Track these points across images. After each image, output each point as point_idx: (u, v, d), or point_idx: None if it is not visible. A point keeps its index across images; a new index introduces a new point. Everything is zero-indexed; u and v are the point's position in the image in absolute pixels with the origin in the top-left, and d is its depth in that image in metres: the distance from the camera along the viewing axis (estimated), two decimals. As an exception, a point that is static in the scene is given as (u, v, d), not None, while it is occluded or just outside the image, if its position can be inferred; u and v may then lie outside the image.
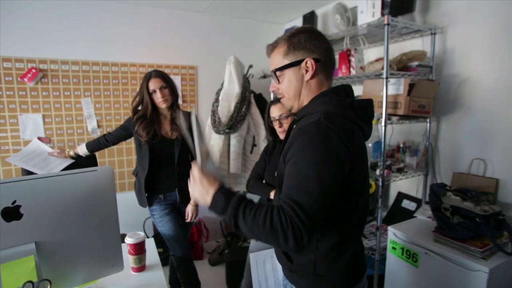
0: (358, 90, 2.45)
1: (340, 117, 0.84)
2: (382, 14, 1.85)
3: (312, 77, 0.90)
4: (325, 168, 0.77)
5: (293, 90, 0.93)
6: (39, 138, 2.34)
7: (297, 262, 0.94)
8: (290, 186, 0.79)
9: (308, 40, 0.89)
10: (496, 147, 1.71)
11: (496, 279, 1.34)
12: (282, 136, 1.61)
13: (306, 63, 0.89)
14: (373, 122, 1.84)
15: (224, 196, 0.82)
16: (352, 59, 2.09)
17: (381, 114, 1.79)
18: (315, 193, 0.76)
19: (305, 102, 0.93)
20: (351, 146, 0.80)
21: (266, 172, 1.68)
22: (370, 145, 1.90)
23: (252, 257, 1.17)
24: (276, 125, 1.59)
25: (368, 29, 1.95)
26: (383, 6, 1.85)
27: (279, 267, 1.11)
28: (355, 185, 0.86)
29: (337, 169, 0.79)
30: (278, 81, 0.94)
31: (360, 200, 0.91)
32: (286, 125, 1.57)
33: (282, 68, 0.92)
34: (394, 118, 1.87)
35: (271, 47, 0.96)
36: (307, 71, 0.89)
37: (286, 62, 0.91)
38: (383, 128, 1.77)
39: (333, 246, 0.88)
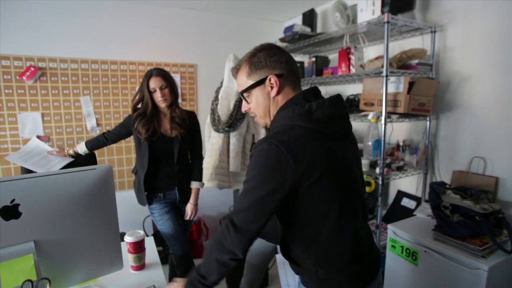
0: (358, 89, 2.45)
1: (296, 127, 0.86)
2: (382, 12, 1.84)
3: (278, 93, 0.92)
4: (263, 183, 0.83)
5: (262, 108, 0.95)
6: (38, 137, 2.34)
7: (303, 266, 0.94)
8: (238, 199, 0.89)
9: (267, 58, 0.91)
10: (496, 146, 1.71)
11: (495, 277, 1.34)
12: None
13: (269, 80, 0.91)
14: (373, 120, 1.84)
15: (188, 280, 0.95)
16: (352, 57, 2.09)
17: (381, 112, 1.79)
18: (250, 201, 0.83)
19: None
20: (300, 157, 0.81)
21: None
22: (370, 143, 1.90)
23: (279, 257, 1.21)
24: None
25: (368, 27, 1.94)
26: (383, 4, 1.85)
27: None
28: (320, 191, 0.85)
29: (276, 187, 0.82)
30: (247, 101, 0.97)
31: (334, 205, 0.88)
32: None
33: (248, 89, 0.94)
34: (394, 116, 1.87)
35: (235, 70, 0.98)
36: (272, 87, 0.92)
37: (251, 82, 0.93)
38: (383, 126, 1.77)
39: (324, 251, 0.89)
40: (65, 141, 2.64)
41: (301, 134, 0.85)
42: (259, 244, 1.68)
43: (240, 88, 0.98)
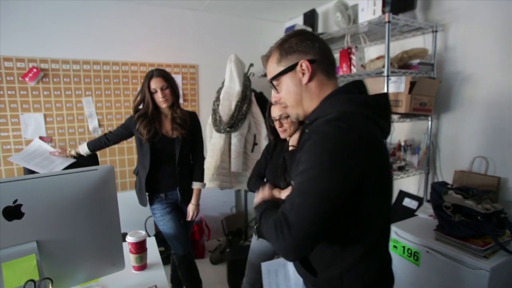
0: (359, 89, 2.44)
1: (356, 115, 0.78)
2: (383, 12, 1.84)
3: (310, 80, 0.85)
4: (332, 173, 0.71)
5: (293, 96, 0.88)
6: (41, 138, 2.35)
7: (322, 277, 0.87)
8: (289, 196, 0.77)
9: (299, 43, 0.86)
10: (498, 145, 1.70)
11: (497, 277, 1.33)
12: (283, 136, 1.61)
13: (300, 66, 0.85)
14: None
15: (263, 202, 0.92)
16: (353, 57, 2.08)
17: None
18: (313, 196, 0.71)
19: (310, 107, 0.88)
20: (369, 148, 0.74)
21: (268, 171, 1.68)
22: (371, 143, 1.89)
23: (264, 266, 1.15)
24: (276, 125, 1.59)
25: (369, 27, 1.94)
26: (384, 4, 1.85)
27: (292, 277, 1.09)
28: (377, 191, 0.79)
29: (345, 175, 0.72)
30: (277, 90, 0.91)
31: (385, 206, 0.83)
32: (286, 125, 1.56)
33: (277, 76, 0.88)
34: (395, 116, 1.87)
35: (266, 58, 0.93)
36: (303, 74, 0.85)
37: (281, 69, 0.88)
38: (384, 126, 1.77)
39: (360, 258, 0.82)
40: (67, 142, 2.65)
41: (367, 124, 0.78)
42: (261, 243, 1.68)
43: (269, 75, 0.92)
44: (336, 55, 2.60)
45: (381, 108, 0.84)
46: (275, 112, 1.58)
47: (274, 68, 0.89)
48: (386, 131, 0.87)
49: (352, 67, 2.10)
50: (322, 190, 0.71)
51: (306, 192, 0.73)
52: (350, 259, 0.82)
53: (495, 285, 1.33)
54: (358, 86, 0.87)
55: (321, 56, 0.86)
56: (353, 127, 0.74)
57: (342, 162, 0.72)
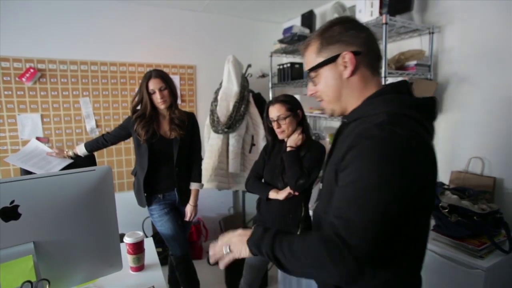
0: (356, 89, 2.45)
1: (407, 118, 0.70)
2: (380, 14, 1.85)
3: (352, 74, 0.77)
4: (392, 184, 0.63)
5: (331, 91, 0.80)
6: (38, 138, 2.34)
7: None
8: (342, 201, 0.67)
9: (343, 32, 0.77)
10: (494, 146, 1.71)
11: (493, 277, 1.34)
12: (281, 137, 1.61)
13: (343, 57, 0.76)
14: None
15: (262, 229, 0.77)
16: (351, 58, 2.09)
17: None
18: (371, 210, 0.62)
19: (350, 104, 0.80)
20: (426, 158, 0.68)
21: (266, 172, 1.68)
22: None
23: (280, 274, 1.14)
24: (274, 126, 1.59)
25: (366, 28, 1.95)
26: (381, 5, 1.86)
27: (304, 282, 1.07)
28: (427, 206, 0.72)
29: (406, 187, 0.64)
30: (314, 83, 0.83)
31: (428, 222, 0.76)
32: (284, 126, 1.57)
33: (316, 68, 0.80)
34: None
35: (304, 47, 0.84)
36: (345, 67, 0.77)
37: (320, 60, 0.79)
38: (382, 127, 1.78)
39: (391, 277, 0.74)
40: (64, 143, 2.64)
41: (420, 129, 0.70)
42: None
43: (307, 66, 0.84)
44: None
45: (430, 112, 0.77)
46: (273, 113, 1.58)
47: (312, 58, 0.81)
48: (432, 137, 0.78)
49: (350, 68, 2.10)
50: (383, 204, 0.62)
51: (364, 205, 0.63)
52: (382, 277, 0.73)
53: (491, 285, 1.34)
54: (406, 86, 0.79)
55: (367, 48, 0.78)
56: (411, 133, 0.67)
57: (402, 172, 0.64)
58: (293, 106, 1.59)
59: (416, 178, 0.65)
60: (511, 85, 1.61)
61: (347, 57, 0.76)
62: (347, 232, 0.62)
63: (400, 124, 0.67)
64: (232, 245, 0.82)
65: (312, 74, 0.82)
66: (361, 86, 0.78)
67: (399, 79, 1.81)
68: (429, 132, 0.75)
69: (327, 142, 2.34)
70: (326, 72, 0.80)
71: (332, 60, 0.78)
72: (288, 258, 0.69)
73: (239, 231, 0.84)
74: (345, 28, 0.77)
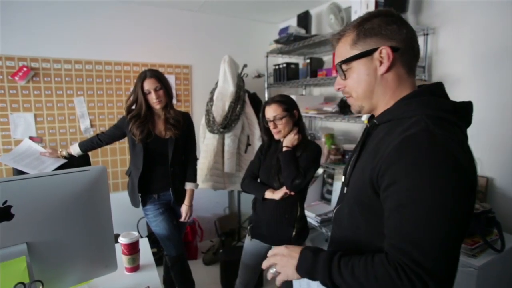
0: (351, 90, 2.47)
1: (447, 123, 0.66)
2: (376, 15, 1.86)
3: (388, 70, 0.72)
4: (455, 195, 0.59)
5: (363, 87, 0.75)
6: (31, 138, 2.31)
7: None
8: (399, 222, 0.61)
9: (383, 25, 0.71)
10: (487, 146, 1.73)
11: (485, 275, 1.36)
12: (277, 137, 1.61)
13: (380, 52, 0.71)
14: (366, 121, 1.85)
15: (311, 251, 0.72)
16: (346, 59, 2.10)
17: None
18: (440, 230, 0.58)
19: (380, 102, 0.76)
20: (471, 162, 0.64)
21: (261, 172, 1.69)
22: (363, 144, 1.91)
23: (296, 282, 1.12)
24: (271, 126, 1.59)
25: (361, 29, 1.96)
26: (377, 7, 1.87)
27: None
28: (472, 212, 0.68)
29: (467, 195, 0.61)
30: (345, 76, 0.77)
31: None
32: (281, 126, 1.57)
33: (349, 60, 0.74)
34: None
35: (337, 37, 0.78)
36: (381, 62, 0.72)
37: (355, 52, 0.74)
38: (376, 127, 1.79)
39: None
40: (58, 142, 2.61)
41: (461, 134, 0.67)
42: (255, 244, 1.68)
43: (338, 58, 0.78)
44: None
45: (466, 116, 0.73)
46: (270, 113, 1.58)
47: (346, 50, 0.76)
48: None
49: (345, 69, 2.11)
50: (450, 221, 0.59)
51: (434, 225, 0.58)
52: None
53: (483, 283, 1.36)
54: (442, 89, 0.74)
55: (406, 45, 0.73)
56: (458, 141, 0.63)
57: (460, 184, 0.60)
58: (289, 106, 1.59)
59: (471, 188, 0.62)
60: (504, 87, 1.63)
61: (384, 51, 0.71)
62: (421, 256, 0.58)
63: (447, 129, 0.64)
64: (280, 267, 0.78)
65: (344, 67, 0.76)
66: (395, 86, 0.74)
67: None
68: (465, 136, 0.71)
69: (322, 142, 2.35)
70: (359, 66, 0.74)
71: (368, 53, 0.72)
72: (351, 285, 0.65)
73: (286, 250, 0.79)
74: (386, 22, 0.72)
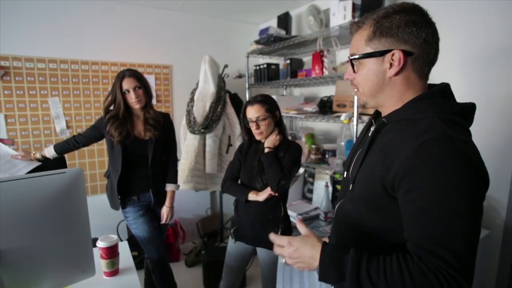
0: (331, 90, 2.52)
1: (458, 125, 0.67)
2: (353, 17, 1.91)
3: (397, 74, 0.72)
4: (475, 197, 0.62)
5: (369, 85, 0.75)
6: (1, 140, 2.21)
7: None
8: (429, 226, 0.62)
9: (403, 26, 0.69)
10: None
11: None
12: (259, 138, 1.60)
13: (392, 55, 0.70)
14: (345, 121, 1.90)
15: (333, 263, 0.69)
16: (325, 60, 2.15)
17: (353, 113, 1.85)
18: (468, 232, 0.61)
19: (386, 102, 0.76)
20: (483, 164, 0.66)
21: (242, 173, 1.68)
22: (342, 143, 1.96)
23: (280, 263, 1.09)
24: (253, 127, 1.57)
25: (340, 31, 2.01)
26: (354, 9, 1.92)
27: (306, 282, 1.03)
28: None
29: (483, 196, 0.65)
30: (354, 70, 0.78)
31: None
32: (263, 127, 1.56)
33: (360, 57, 0.74)
34: (365, 118, 1.94)
35: (356, 26, 0.77)
36: (391, 65, 0.71)
37: (368, 50, 0.73)
38: (355, 127, 1.84)
39: None
40: (31, 145, 2.51)
41: (469, 136, 0.70)
42: (239, 247, 1.68)
43: (352, 49, 0.77)
44: (309, 58, 2.66)
45: (470, 118, 0.74)
46: (252, 113, 1.56)
47: (360, 44, 0.75)
48: None
49: (324, 70, 2.16)
50: (473, 223, 0.62)
51: (462, 229, 0.61)
52: None
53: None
54: (450, 91, 0.75)
55: (422, 51, 0.71)
56: (472, 144, 0.66)
57: (478, 186, 0.63)
58: (271, 107, 1.58)
59: (486, 189, 0.66)
60: (489, 88, 1.67)
61: (396, 55, 0.70)
62: (454, 259, 0.59)
63: (462, 133, 0.66)
64: (291, 262, 0.77)
65: (355, 61, 0.76)
66: (403, 89, 0.73)
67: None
68: (471, 136, 0.73)
69: (303, 142, 2.38)
70: (369, 65, 0.74)
71: (380, 54, 0.71)
72: (379, 286, 0.64)
73: (294, 252, 0.76)
74: (407, 22, 0.69)
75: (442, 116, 0.67)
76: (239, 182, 1.70)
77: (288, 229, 1.65)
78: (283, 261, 0.80)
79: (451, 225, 0.61)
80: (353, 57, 0.76)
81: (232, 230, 1.68)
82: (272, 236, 0.83)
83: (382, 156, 0.71)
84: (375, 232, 0.76)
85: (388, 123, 0.76)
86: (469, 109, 0.74)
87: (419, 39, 0.70)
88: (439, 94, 0.72)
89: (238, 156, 1.72)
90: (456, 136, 0.63)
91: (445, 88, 0.74)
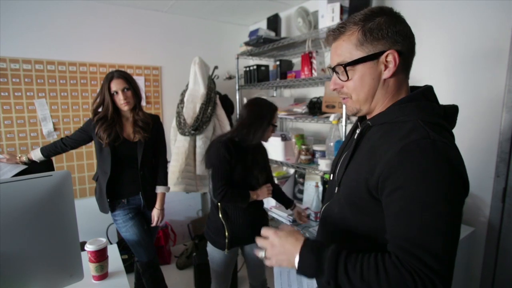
0: (320, 91, 2.54)
1: (440, 127, 0.68)
2: (341, 19, 1.94)
3: (392, 75, 0.71)
4: (456, 199, 0.63)
5: (366, 90, 0.74)
6: (-14, 143, 2.16)
7: None
8: (408, 227, 0.63)
9: (390, 27, 0.69)
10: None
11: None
12: (267, 140, 1.68)
13: (386, 56, 0.70)
14: (334, 122, 1.93)
15: (313, 253, 0.69)
16: (314, 61, 2.17)
17: (342, 114, 1.88)
18: (447, 233, 0.61)
19: (378, 106, 0.76)
20: (463, 166, 0.66)
21: (237, 174, 1.57)
22: (331, 144, 1.98)
23: (276, 269, 1.09)
24: (269, 130, 1.62)
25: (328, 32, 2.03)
26: (342, 11, 1.95)
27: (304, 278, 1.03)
28: None
29: (463, 198, 0.65)
30: (347, 77, 0.74)
31: None
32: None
33: (355, 63, 0.72)
34: (354, 118, 1.97)
35: (337, 33, 0.74)
36: (386, 67, 0.71)
37: (360, 54, 0.71)
38: (344, 127, 1.86)
39: None
40: (17, 147, 2.46)
41: (451, 138, 0.70)
42: (230, 254, 1.65)
43: (337, 57, 0.74)
44: (299, 59, 2.69)
45: (452, 120, 0.75)
46: (277, 118, 1.65)
47: (349, 50, 0.72)
48: None
49: (313, 71, 2.18)
50: (454, 225, 0.62)
51: (442, 230, 0.61)
52: None
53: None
54: (433, 93, 0.75)
55: (408, 48, 0.71)
56: (454, 146, 0.67)
57: (459, 189, 0.64)
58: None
59: (466, 192, 0.66)
60: (474, 89, 1.70)
61: (390, 56, 0.70)
62: (433, 260, 0.60)
63: (443, 135, 0.66)
64: (270, 255, 0.76)
65: (348, 68, 0.73)
66: (395, 90, 0.74)
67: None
68: (454, 138, 0.73)
69: (293, 142, 2.40)
70: (364, 69, 0.72)
71: (374, 57, 0.70)
72: (355, 283, 0.64)
73: (278, 240, 0.76)
74: (392, 23, 0.69)
75: (425, 118, 0.68)
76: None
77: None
78: (263, 254, 0.79)
79: (430, 227, 0.61)
80: (348, 64, 0.72)
81: (226, 241, 1.59)
82: (263, 230, 0.83)
83: (367, 159, 0.72)
84: (361, 234, 0.76)
85: (373, 126, 0.76)
86: (452, 111, 0.75)
87: (404, 37, 0.70)
88: (422, 97, 0.73)
89: (227, 160, 1.56)
90: (438, 138, 0.64)
91: (428, 91, 0.74)
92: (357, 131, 0.82)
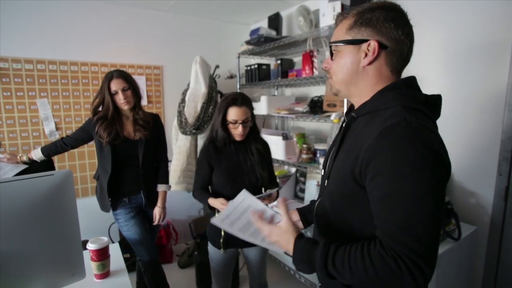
0: (321, 90, 2.54)
1: (421, 113, 0.70)
2: (342, 18, 1.93)
3: (370, 63, 0.74)
4: (434, 180, 0.63)
5: (343, 73, 0.77)
6: (-12, 143, 2.17)
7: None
8: (390, 211, 0.64)
9: (382, 20, 0.72)
10: (446, 141, 1.84)
11: (445, 263, 1.46)
12: (239, 139, 1.55)
13: (368, 44, 0.72)
14: (335, 120, 1.92)
15: (306, 245, 0.74)
16: (315, 60, 2.17)
17: (343, 113, 1.87)
18: (428, 215, 0.61)
19: (358, 94, 0.79)
20: (445, 148, 0.69)
21: (221, 175, 1.55)
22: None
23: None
24: (238, 128, 1.50)
25: (329, 31, 2.03)
26: (343, 10, 1.94)
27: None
28: None
29: (444, 179, 0.66)
30: (332, 57, 0.79)
31: None
32: (247, 129, 1.54)
33: (338, 43, 0.77)
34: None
35: (341, 17, 0.80)
36: (366, 54, 0.73)
37: (347, 37, 0.75)
38: (345, 126, 1.86)
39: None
40: (20, 147, 2.47)
41: (432, 124, 0.72)
42: (228, 253, 1.65)
43: (333, 37, 0.80)
44: (300, 58, 2.68)
45: (437, 109, 0.77)
46: (240, 115, 1.49)
47: (341, 33, 0.77)
48: None
49: (314, 70, 2.18)
50: (435, 207, 0.62)
51: (424, 214, 0.62)
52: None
53: (442, 270, 1.45)
54: (415, 82, 0.78)
55: (396, 45, 0.73)
56: (433, 129, 0.68)
57: (439, 170, 0.65)
58: (252, 109, 1.59)
59: (447, 173, 0.67)
60: (474, 85, 1.71)
61: (372, 45, 0.72)
62: (415, 243, 0.61)
63: (422, 119, 0.67)
64: (272, 243, 0.82)
65: (333, 48, 0.79)
66: (375, 81, 0.75)
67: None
68: (436, 127, 0.75)
69: (294, 141, 2.40)
70: (346, 52, 0.76)
71: (357, 42, 0.74)
72: (345, 275, 0.67)
73: (282, 233, 0.79)
74: (386, 17, 0.72)
75: (405, 104, 0.70)
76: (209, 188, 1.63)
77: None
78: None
79: (410, 210, 0.62)
80: (332, 42, 0.78)
81: (221, 241, 1.57)
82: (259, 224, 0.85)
83: (352, 149, 0.73)
84: (354, 225, 0.77)
85: (358, 117, 0.78)
86: (435, 99, 0.76)
87: (394, 35, 0.72)
88: (404, 86, 0.75)
89: (208, 161, 1.57)
90: (414, 120, 0.64)
91: (410, 80, 0.77)
92: (343, 124, 0.85)
